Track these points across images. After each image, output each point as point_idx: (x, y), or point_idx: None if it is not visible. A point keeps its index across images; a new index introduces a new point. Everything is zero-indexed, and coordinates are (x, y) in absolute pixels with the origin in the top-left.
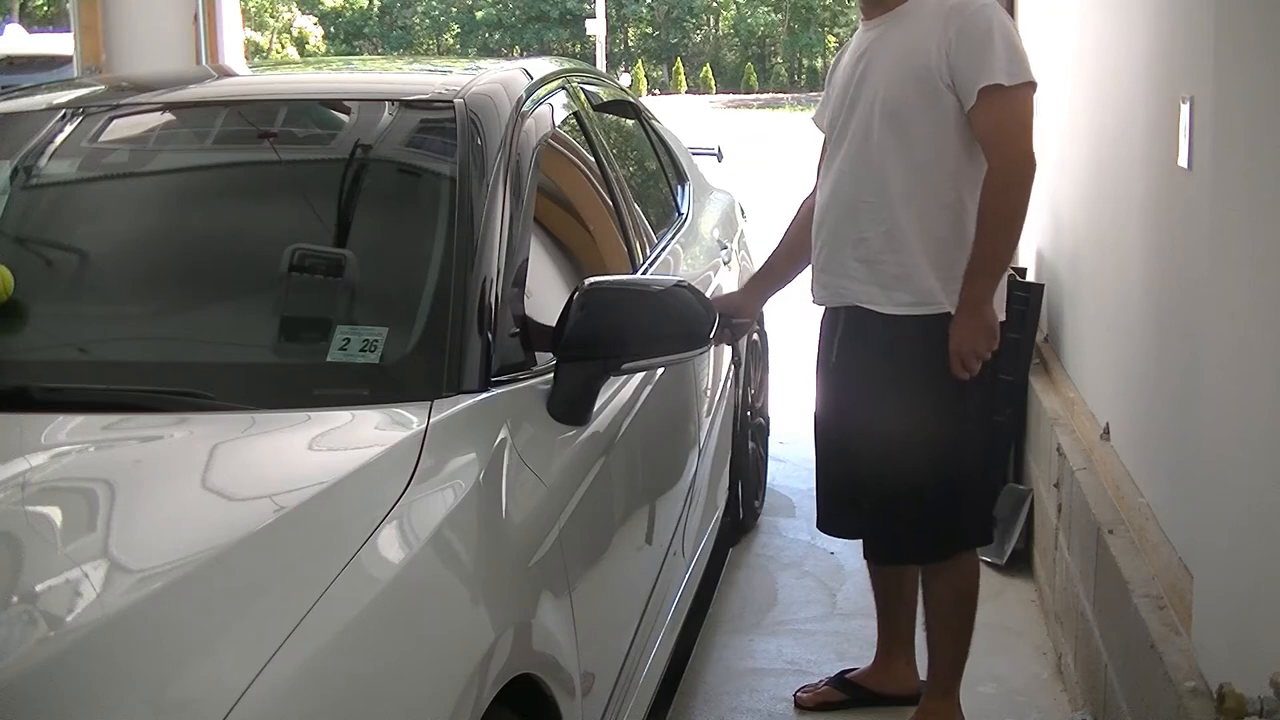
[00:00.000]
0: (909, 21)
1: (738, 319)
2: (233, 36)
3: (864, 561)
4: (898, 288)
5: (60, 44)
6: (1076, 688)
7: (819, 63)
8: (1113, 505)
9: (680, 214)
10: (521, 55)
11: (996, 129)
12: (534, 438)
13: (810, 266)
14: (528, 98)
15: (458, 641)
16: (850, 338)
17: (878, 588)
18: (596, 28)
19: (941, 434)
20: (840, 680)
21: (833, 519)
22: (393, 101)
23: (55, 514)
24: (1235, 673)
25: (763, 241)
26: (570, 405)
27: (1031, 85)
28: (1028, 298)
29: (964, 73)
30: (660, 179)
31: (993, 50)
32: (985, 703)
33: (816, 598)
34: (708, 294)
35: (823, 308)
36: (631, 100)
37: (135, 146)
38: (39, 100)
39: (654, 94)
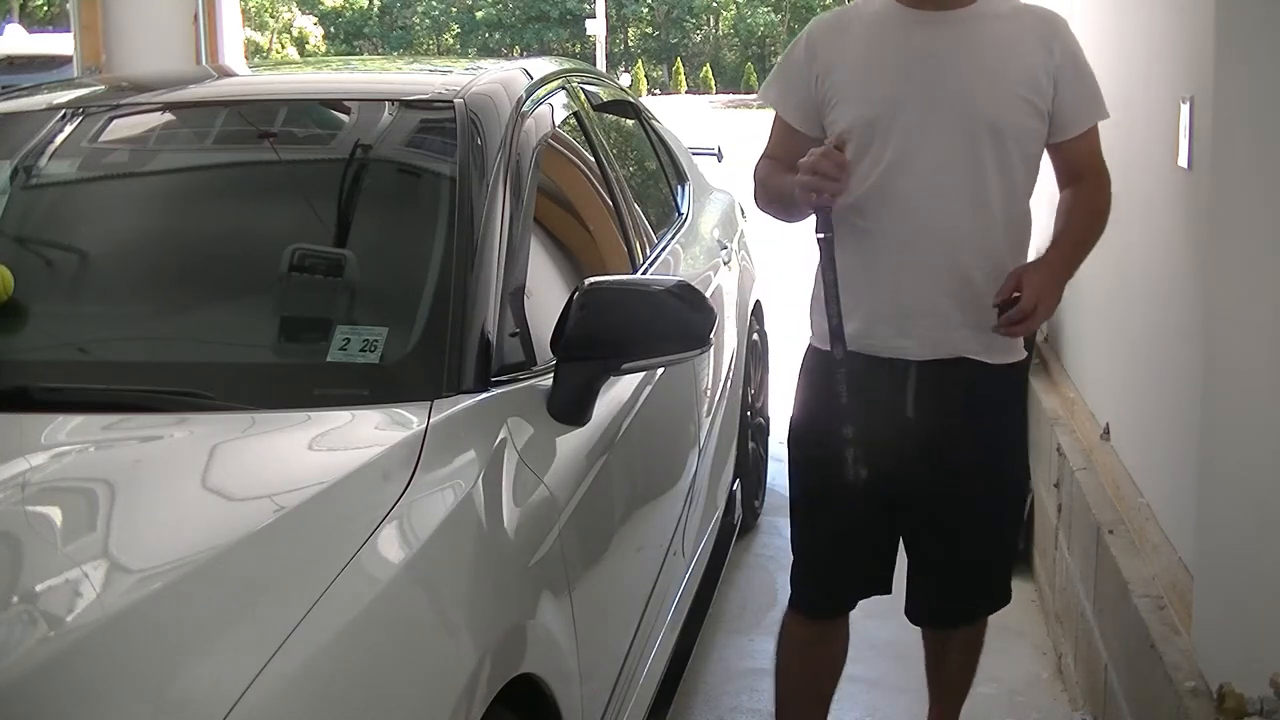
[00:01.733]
0: (996, 25)
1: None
2: (233, 36)
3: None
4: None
5: (60, 44)
6: (1076, 688)
7: None
8: (1113, 505)
9: (680, 214)
10: (521, 55)
11: (1094, 157)
12: (534, 438)
13: (876, 308)
14: (528, 98)
15: (458, 641)
16: (936, 389)
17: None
18: (596, 28)
19: (1023, 482)
20: None
21: (867, 585)
22: (393, 101)
23: (55, 514)
24: (1235, 673)
25: (762, 242)
26: (570, 405)
27: None
28: None
29: (1074, 104)
30: (660, 179)
31: (1095, 82)
32: (985, 703)
33: None
34: (708, 292)
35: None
36: (631, 100)
37: (135, 146)
38: (39, 100)
39: (654, 94)
